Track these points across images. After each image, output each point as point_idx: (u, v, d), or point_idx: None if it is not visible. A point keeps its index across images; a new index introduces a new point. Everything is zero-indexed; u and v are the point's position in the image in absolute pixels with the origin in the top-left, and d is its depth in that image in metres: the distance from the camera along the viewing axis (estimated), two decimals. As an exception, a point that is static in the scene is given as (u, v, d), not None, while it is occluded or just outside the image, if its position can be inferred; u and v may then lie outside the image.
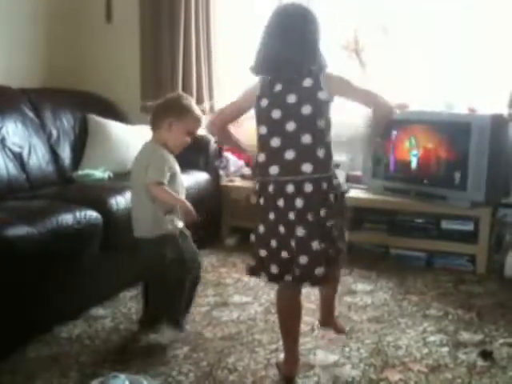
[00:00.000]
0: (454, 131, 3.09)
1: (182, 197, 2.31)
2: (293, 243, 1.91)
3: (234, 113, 2.11)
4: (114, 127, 3.50)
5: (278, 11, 1.99)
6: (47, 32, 3.77)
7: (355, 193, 3.43)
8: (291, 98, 1.89)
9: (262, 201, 1.95)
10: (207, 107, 3.75)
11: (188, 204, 2.25)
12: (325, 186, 1.90)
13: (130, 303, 2.70)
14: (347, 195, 3.25)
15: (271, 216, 1.92)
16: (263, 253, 1.97)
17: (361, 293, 2.86)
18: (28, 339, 2.27)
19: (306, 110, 1.88)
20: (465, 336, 2.39)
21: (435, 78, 3.50)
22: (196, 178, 3.29)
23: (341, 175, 3.50)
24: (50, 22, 3.78)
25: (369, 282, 3.00)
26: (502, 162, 3.10)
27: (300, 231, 1.88)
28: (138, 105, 3.82)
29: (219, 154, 3.70)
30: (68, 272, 2.42)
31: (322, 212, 1.90)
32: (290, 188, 1.87)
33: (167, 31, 3.67)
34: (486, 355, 2.20)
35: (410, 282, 3.01)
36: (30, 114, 3.24)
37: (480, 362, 2.17)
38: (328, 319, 2.34)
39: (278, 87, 1.92)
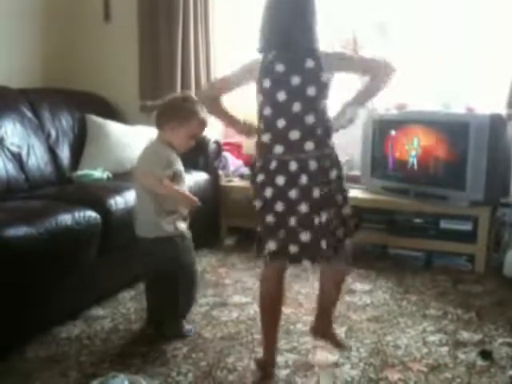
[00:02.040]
0: (452, 131, 3.09)
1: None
2: (292, 221, 1.91)
3: (229, 86, 2.08)
4: (113, 127, 3.50)
5: None
6: (45, 32, 3.77)
7: (354, 193, 3.43)
8: (295, 80, 1.90)
9: (260, 177, 1.95)
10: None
11: (186, 192, 2.28)
12: (328, 163, 1.94)
13: (129, 303, 2.70)
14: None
15: (268, 193, 1.93)
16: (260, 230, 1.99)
17: (360, 292, 2.86)
18: (27, 339, 2.27)
19: (311, 91, 1.90)
20: (464, 335, 2.39)
21: (433, 78, 3.50)
22: (195, 178, 3.29)
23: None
24: (47, 22, 3.78)
25: (368, 282, 3.00)
26: (500, 161, 3.10)
27: (304, 207, 1.89)
28: (137, 104, 3.82)
29: (218, 153, 3.69)
30: (67, 272, 2.42)
31: (325, 188, 1.92)
32: (293, 166, 1.90)
33: (166, 30, 3.66)
34: (486, 355, 2.21)
35: (409, 282, 3.01)
36: (29, 114, 3.24)
37: (479, 362, 2.17)
38: (324, 328, 2.24)
39: (281, 67, 1.92)
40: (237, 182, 3.73)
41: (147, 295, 2.43)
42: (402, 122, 3.28)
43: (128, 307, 2.66)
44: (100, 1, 3.91)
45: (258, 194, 1.97)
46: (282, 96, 1.92)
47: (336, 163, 1.99)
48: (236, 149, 3.90)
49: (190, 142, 2.33)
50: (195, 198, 2.30)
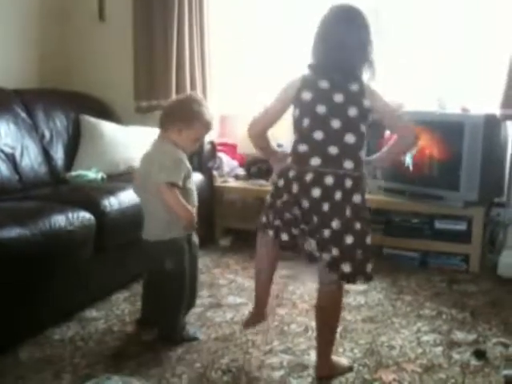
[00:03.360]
0: (447, 131, 3.10)
1: (194, 200, 2.29)
2: (326, 233, 1.91)
3: (273, 118, 2.07)
4: (107, 128, 3.49)
5: (332, 12, 1.99)
6: (39, 31, 3.76)
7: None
8: (338, 98, 1.92)
9: (295, 187, 1.93)
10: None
11: (193, 216, 2.21)
12: (362, 185, 1.96)
13: (123, 305, 2.69)
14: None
15: (305, 204, 1.92)
16: (277, 222, 2.02)
17: (354, 293, 2.85)
18: (20, 341, 2.26)
19: (353, 112, 1.92)
20: (458, 335, 2.40)
21: (428, 78, 3.50)
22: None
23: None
24: (42, 22, 3.76)
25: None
26: (494, 161, 3.10)
27: (335, 224, 1.90)
28: (132, 105, 3.81)
29: (213, 154, 3.69)
30: (61, 273, 2.41)
31: (358, 209, 1.94)
32: (330, 180, 1.90)
33: (161, 30, 3.66)
34: (480, 355, 2.21)
35: (404, 282, 3.01)
36: (23, 115, 3.22)
37: (474, 362, 2.17)
38: (322, 366, 2.10)
39: (324, 84, 1.94)
40: (232, 183, 3.73)
41: (145, 296, 2.42)
42: (396, 123, 3.28)
43: (122, 308, 2.65)
44: (95, 1, 3.90)
45: (290, 206, 1.96)
46: (322, 109, 1.93)
47: (363, 188, 1.98)
48: (231, 149, 3.90)
49: (195, 144, 2.30)
50: (195, 222, 2.23)
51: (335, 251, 1.92)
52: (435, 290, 2.92)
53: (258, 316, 2.25)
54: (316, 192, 1.90)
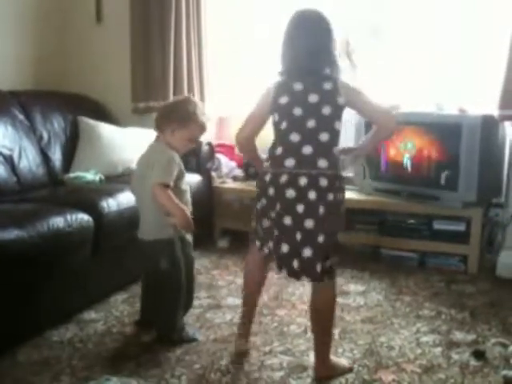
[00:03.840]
0: (444, 132, 3.10)
1: (188, 200, 2.30)
2: (298, 236, 1.93)
3: (256, 124, 2.11)
4: (105, 129, 3.48)
5: (296, 18, 2.06)
6: (36, 33, 3.75)
7: (347, 194, 3.42)
8: (313, 98, 1.96)
9: (271, 191, 1.98)
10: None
11: (188, 215, 2.21)
12: (337, 183, 1.97)
13: (121, 306, 2.68)
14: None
15: (277, 206, 1.96)
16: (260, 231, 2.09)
17: (353, 293, 2.86)
18: (18, 343, 2.25)
19: (326, 110, 1.95)
20: (458, 336, 2.40)
21: (426, 79, 3.51)
22: (188, 180, 3.26)
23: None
24: (39, 23, 3.76)
25: (361, 283, 3.00)
26: (492, 162, 3.10)
27: (309, 223, 1.92)
28: (129, 106, 3.81)
29: (211, 155, 3.69)
30: (59, 275, 2.40)
31: (331, 207, 1.94)
32: (304, 181, 1.92)
33: (158, 31, 3.66)
34: (479, 355, 2.21)
35: (403, 283, 3.01)
36: (20, 117, 3.22)
37: (473, 362, 2.17)
38: (319, 366, 2.10)
39: (299, 86, 1.98)
40: (230, 184, 3.72)
41: (144, 297, 2.41)
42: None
43: (121, 310, 2.64)
44: (92, 2, 3.90)
45: (267, 209, 2.01)
46: (298, 111, 1.97)
47: (340, 186, 2.00)
48: (229, 150, 3.89)
49: (189, 144, 2.32)
50: (192, 224, 2.22)
51: (308, 252, 1.93)
52: (434, 290, 2.92)
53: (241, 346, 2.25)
54: (290, 193, 1.93)
